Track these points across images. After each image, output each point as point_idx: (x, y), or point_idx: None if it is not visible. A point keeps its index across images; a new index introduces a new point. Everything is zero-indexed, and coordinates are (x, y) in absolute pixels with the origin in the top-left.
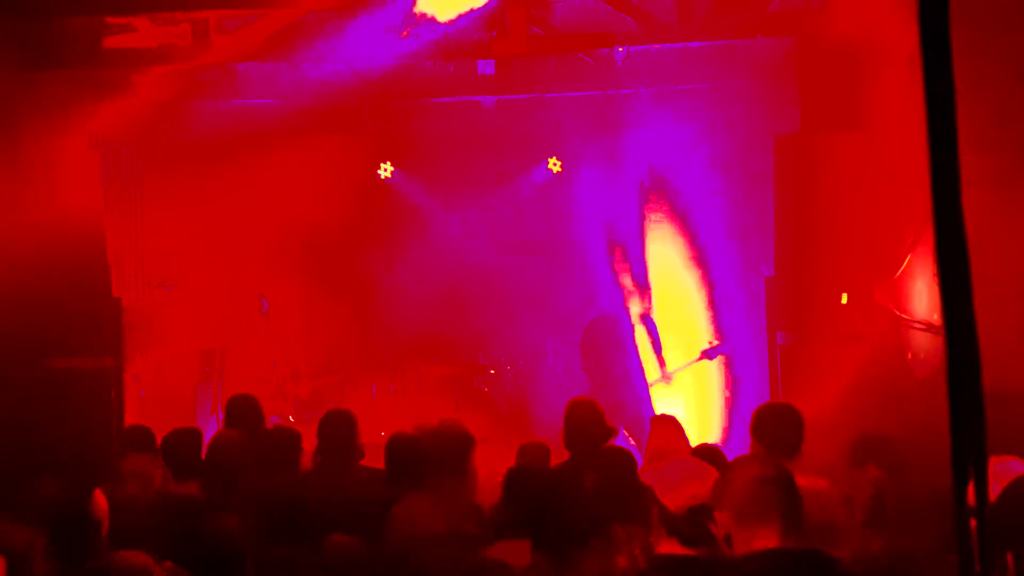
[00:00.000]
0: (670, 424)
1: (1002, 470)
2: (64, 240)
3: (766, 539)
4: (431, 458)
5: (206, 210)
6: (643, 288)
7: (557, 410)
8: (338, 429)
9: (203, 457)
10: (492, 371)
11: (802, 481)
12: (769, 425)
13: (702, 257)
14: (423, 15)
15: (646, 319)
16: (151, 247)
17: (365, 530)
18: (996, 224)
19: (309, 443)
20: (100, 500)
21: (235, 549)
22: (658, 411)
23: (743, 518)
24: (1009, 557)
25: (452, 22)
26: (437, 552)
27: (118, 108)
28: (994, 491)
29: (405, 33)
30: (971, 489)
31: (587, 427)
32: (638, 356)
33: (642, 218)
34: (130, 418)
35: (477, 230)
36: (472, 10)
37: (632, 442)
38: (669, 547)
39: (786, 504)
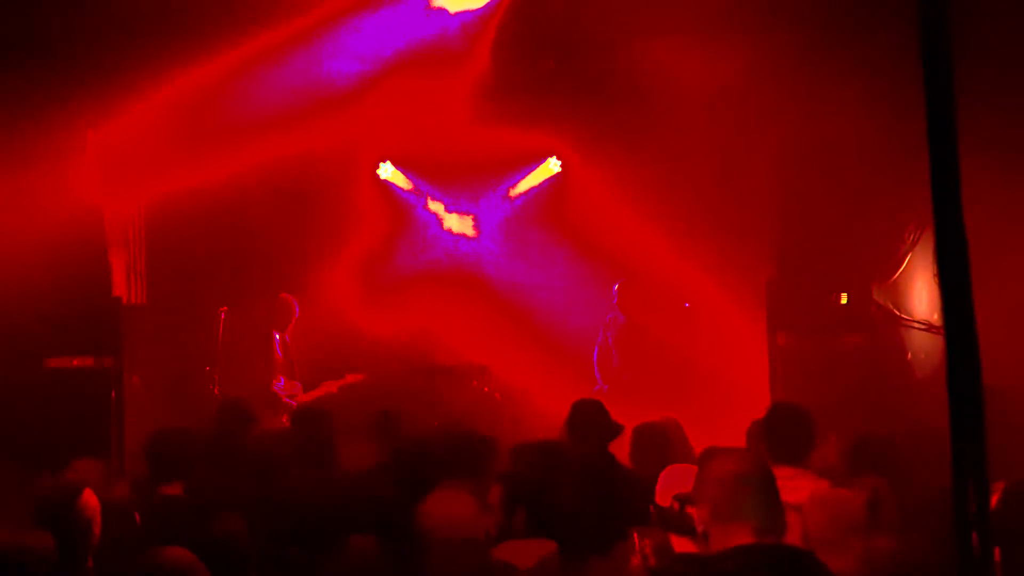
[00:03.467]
0: (672, 428)
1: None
2: (64, 240)
3: (742, 536)
4: (447, 460)
5: (208, 208)
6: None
7: (557, 409)
8: (316, 429)
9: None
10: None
11: (805, 484)
12: (780, 428)
13: (698, 258)
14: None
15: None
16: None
17: (362, 532)
18: (996, 224)
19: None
20: (90, 500)
21: (239, 551)
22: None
23: (719, 515)
24: (996, 552)
25: (452, 20)
26: (448, 553)
27: (120, 105)
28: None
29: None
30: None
31: (594, 426)
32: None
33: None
34: (131, 418)
35: (478, 230)
36: (472, 9)
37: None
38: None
39: (764, 500)
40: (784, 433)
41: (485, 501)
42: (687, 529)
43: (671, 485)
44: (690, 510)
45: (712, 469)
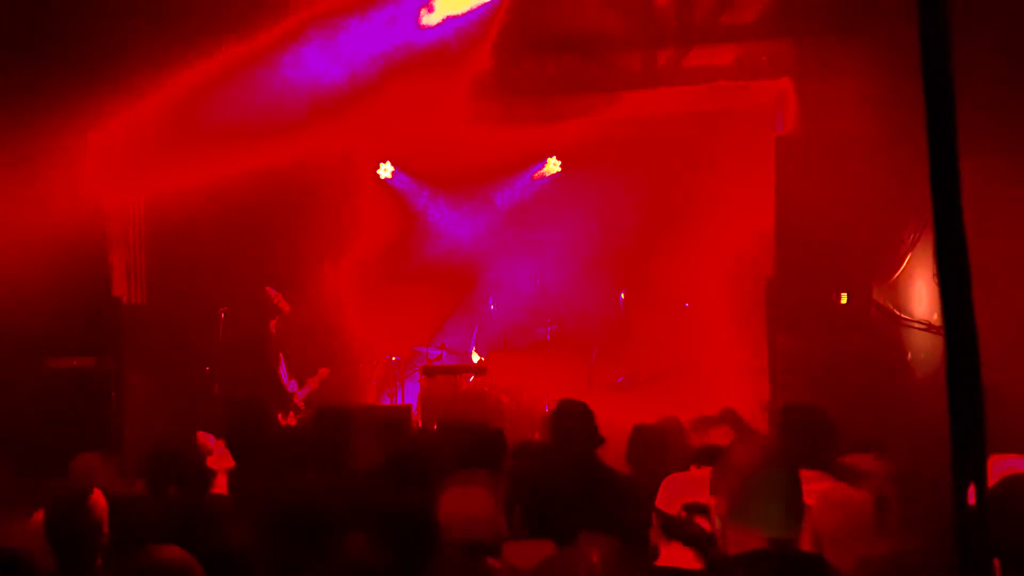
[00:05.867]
0: (672, 429)
1: (1003, 468)
2: (64, 240)
3: (756, 538)
4: (458, 455)
5: (208, 208)
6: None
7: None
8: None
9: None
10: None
11: (826, 486)
12: (796, 430)
13: (698, 258)
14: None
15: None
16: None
17: (367, 530)
18: (996, 224)
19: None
20: (99, 500)
21: (243, 553)
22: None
23: (736, 510)
24: (996, 563)
25: (452, 21)
26: (460, 554)
27: (120, 105)
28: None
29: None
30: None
31: (576, 431)
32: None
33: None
34: (131, 418)
35: (478, 229)
36: (472, 10)
37: None
38: (670, 554)
39: (783, 501)
40: (800, 435)
41: (496, 496)
42: (694, 540)
43: (675, 491)
44: (699, 520)
45: (735, 460)
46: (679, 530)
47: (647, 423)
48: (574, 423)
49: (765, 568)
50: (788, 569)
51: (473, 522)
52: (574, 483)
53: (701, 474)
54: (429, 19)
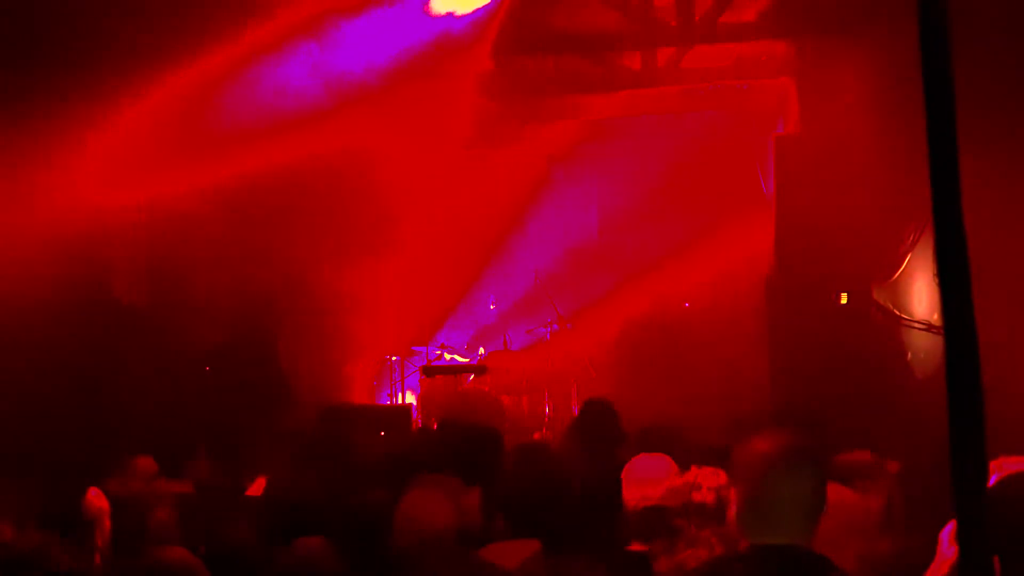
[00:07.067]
0: (676, 427)
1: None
2: (64, 239)
3: (774, 534)
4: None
5: (209, 208)
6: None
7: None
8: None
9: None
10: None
11: None
12: (792, 427)
13: (698, 258)
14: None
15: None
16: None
17: (366, 530)
18: (996, 224)
19: None
20: (96, 499)
21: (245, 551)
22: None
23: (754, 505)
24: (996, 560)
25: (453, 21)
26: (434, 552)
27: (120, 105)
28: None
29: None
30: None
31: (601, 428)
32: None
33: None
34: (130, 419)
35: (478, 228)
36: (474, 10)
37: None
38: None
39: (800, 502)
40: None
41: (463, 500)
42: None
43: (637, 484)
44: (679, 522)
45: (752, 452)
46: (637, 527)
47: (649, 426)
48: (600, 422)
49: (768, 566)
50: (792, 568)
51: (426, 527)
52: (591, 482)
53: (663, 463)
54: (429, 18)
